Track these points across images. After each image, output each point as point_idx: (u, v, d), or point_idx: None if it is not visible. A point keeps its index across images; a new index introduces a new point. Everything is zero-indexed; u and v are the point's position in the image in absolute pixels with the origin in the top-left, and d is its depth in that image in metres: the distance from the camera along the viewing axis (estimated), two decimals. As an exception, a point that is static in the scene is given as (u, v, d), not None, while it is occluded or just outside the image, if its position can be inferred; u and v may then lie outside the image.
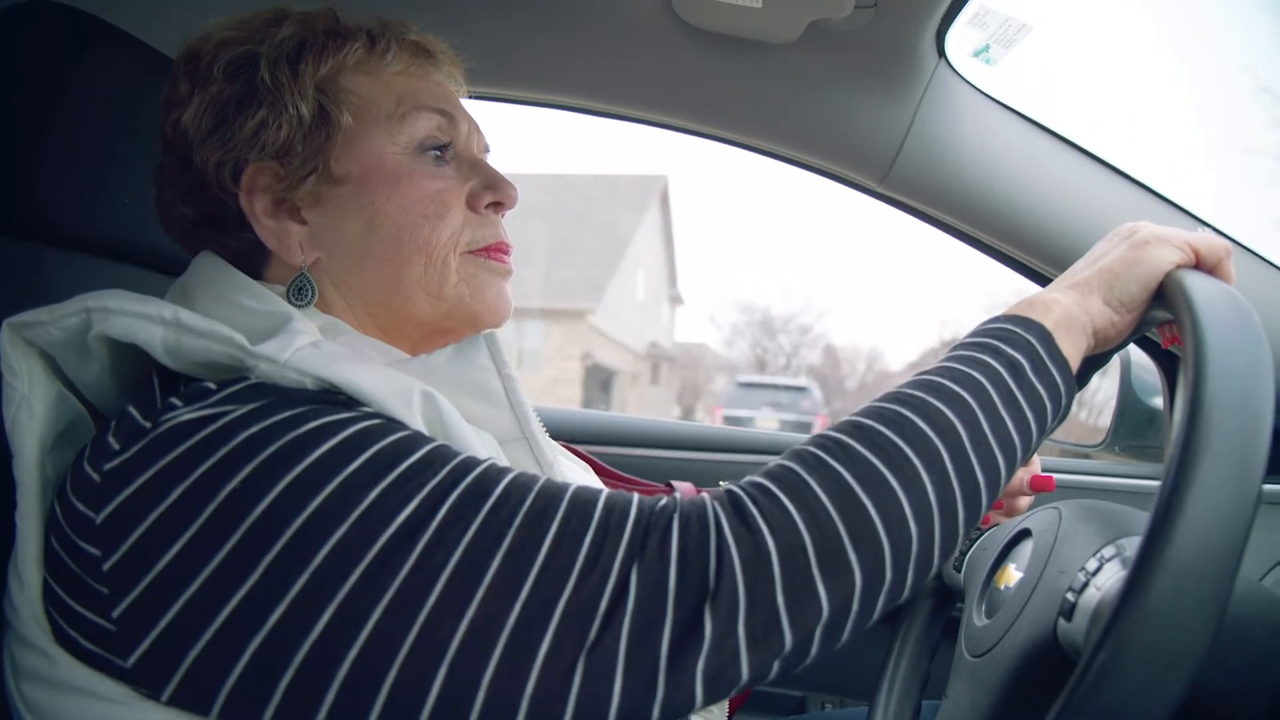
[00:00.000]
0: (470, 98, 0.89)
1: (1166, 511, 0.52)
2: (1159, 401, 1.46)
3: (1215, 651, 0.51)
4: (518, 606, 0.53)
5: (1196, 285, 0.64)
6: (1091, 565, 0.71)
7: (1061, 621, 0.70)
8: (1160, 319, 0.71)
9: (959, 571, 0.98)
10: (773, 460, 0.62)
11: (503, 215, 0.84)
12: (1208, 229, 0.72)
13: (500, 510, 0.56)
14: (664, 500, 0.59)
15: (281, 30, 0.76)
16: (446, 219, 0.77)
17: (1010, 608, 0.78)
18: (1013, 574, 0.83)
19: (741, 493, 0.58)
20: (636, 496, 0.59)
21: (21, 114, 0.84)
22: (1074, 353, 0.68)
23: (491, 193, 0.81)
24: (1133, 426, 1.48)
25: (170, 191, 0.79)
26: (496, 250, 0.81)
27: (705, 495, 0.59)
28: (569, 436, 1.56)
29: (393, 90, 0.79)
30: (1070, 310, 0.69)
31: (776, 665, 0.56)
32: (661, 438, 1.67)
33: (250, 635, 0.53)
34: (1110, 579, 0.68)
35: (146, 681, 0.56)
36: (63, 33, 0.86)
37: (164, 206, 0.80)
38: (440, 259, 0.77)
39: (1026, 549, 0.84)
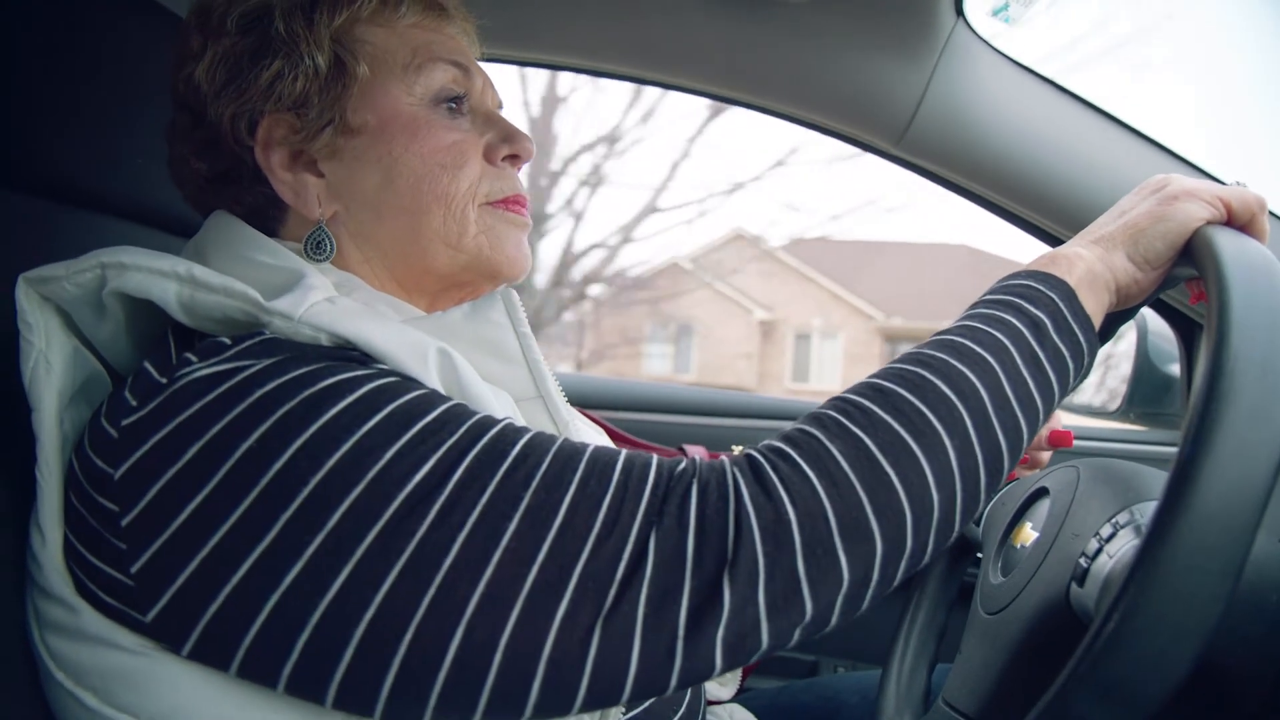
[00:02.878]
0: (484, 59, 0.88)
1: (1181, 484, 0.51)
2: (1175, 368, 1.45)
3: (1228, 619, 0.51)
4: (534, 569, 0.53)
5: (1225, 244, 0.62)
6: (1105, 531, 0.70)
7: (1074, 586, 0.70)
8: (1187, 275, 0.69)
9: (978, 525, 0.98)
10: (790, 424, 0.61)
11: (519, 169, 0.83)
12: (1239, 184, 0.69)
13: (517, 471, 0.55)
14: (683, 464, 0.58)
15: None
16: (464, 169, 0.77)
17: (1025, 567, 0.78)
18: (1029, 533, 0.83)
19: (761, 458, 0.57)
20: (656, 458, 0.59)
21: (32, 72, 0.83)
22: (1096, 310, 0.67)
23: (508, 145, 0.81)
24: (1148, 394, 1.47)
25: (184, 147, 0.78)
26: (514, 202, 0.81)
27: (724, 459, 0.58)
28: (582, 401, 1.57)
29: (408, 42, 0.78)
30: (1094, 267, 0.67)
31: (797, 633, 0.55)
32: (675, 403, 1.67)
33: (267, 594, 0.53)
34: (1123, 547, 0.68)
35: (166, 636, 0.56)
36: None
37: (177, 163, 0.80)
38: (459, 210, 0.77)
39: (1043, 508, 0.84)
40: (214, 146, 0.76)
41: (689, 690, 0.83)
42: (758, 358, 19.94)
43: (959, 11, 1.19)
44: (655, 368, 19.86)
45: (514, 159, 0.82)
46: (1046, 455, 1.04)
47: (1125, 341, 1.46)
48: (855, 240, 21.31)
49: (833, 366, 19.69)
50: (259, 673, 0.55)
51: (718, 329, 19.91)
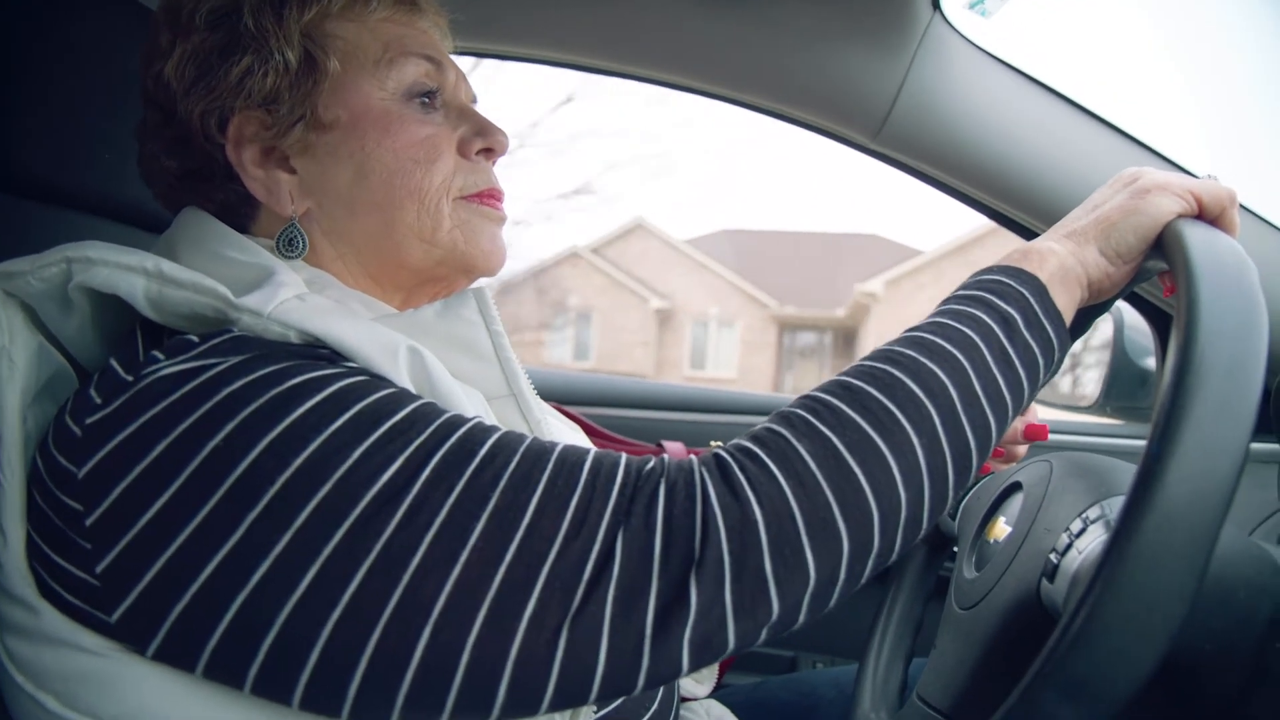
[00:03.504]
0: (458, 53, 0.88)
1: (1147, 481, 0.51)
2: (1151, 362, 1.46)
3: (1196, 613, 0.51)
4: (501, 570, 0.53)
5: (1195, 238, 0.62)
6: (1076, 526, 0.70)
7: (1044, 582, 0.70)
8: (1159, 269, 0.69)
9: (953, 519, 0.98)
10: (760, 422, 0.61)
11: (494, 162, 0.83)
12: (1211, 177, 0.70)
13: (485, 471, 0.55)
14: (651, 463, 0.58)
15: None
16: (437, 164, 0.76)
17: (998, 563, 0.79)
18: (1002, 528, 0.83)
19: (729, 458, 0.57)
20: (624, 457, 0.59)
21: (1, 67, 0.82)
22: (1068, 305, 0.67)
23: (482, 139, 0.80)
24: (1124, 387, 1.48)
25: (154, 145, 0.77)
26: (489, 196, 0.80)
27: (693, 459, 0.58)
28: (558, 397, 1.56)
29: (379, 36, 0.78)
30: (1065, 261, 0.67)
31: (765, 633, 0.55)
32: (651, 398, 1.67)
33: (233, 594, 0.52)
34: (1092, 542, 0.68)
35: (130, 636, 0.55)
36: None
37: (147, 161, 0.79)
38: (433, 204, 0.76)
39: (1017, 502, 0.84)
40: (184, 144, 0.75)
41: (662, 686, 0.83)
42: (655, 345, 20.66)
43: (935, 5, 1.20)
44: (554, 354, 20.57)
45: (488, 152, 0.81)
46: (1022, 449, 1.05)
47: (1102, 335, 1.47)
48: (763, 230, 22.58)
49: (730, 354, 20.47)
50: (225, 673, 0.54)
51: (616, 317, 20.67)
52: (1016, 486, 0.87)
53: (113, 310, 0.68)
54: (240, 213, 0.77)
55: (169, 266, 0.62)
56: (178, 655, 0.55)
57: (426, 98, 0.79)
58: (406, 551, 0.52)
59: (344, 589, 0.52)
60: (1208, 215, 0.68)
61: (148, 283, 0.63)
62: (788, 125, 1.36)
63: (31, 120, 0.85)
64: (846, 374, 0.61)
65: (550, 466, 0.56)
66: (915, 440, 0.57)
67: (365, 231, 0.76)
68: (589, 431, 1.10)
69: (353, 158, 0.75)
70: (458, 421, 0.58)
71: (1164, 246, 0.65)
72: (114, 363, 0.61)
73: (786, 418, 0.59)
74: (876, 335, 17.87)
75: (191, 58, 0.73)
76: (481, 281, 0.83)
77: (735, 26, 1.25)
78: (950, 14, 1.21)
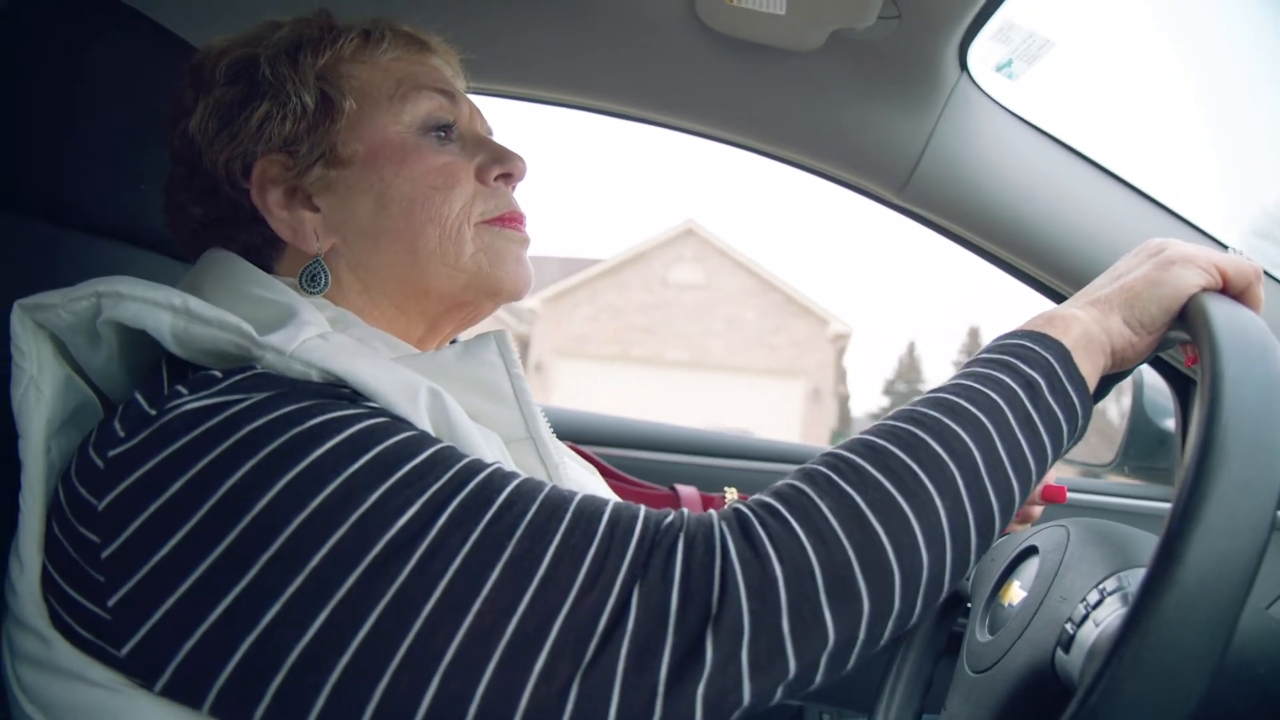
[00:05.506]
0: (486, 95, 0.90)
1: (1168, 558, 0.50)
2: (1171, 423, 1.45)
3: (1216, 690, 0.50)
4: (515, 620, 0.52)
5: (1219, 313, 0.62)
6: (1093, 598, 0.69)
7: (1059, 652, 0.69)
8: (1181, 340, 0.68)
9: (967, 580, 0.97)
10: (784, 475, 0.61)
11: (513, 188, 0.84)
12: (1237, 251, 0.69)
13: (502, 519, 0.55)
14: (670, 516, 0.58)
15: (278, 33, 0.79)
16: (456, 190, 0.78)
17: (1012, 628, 0.78)
18: (1017, 592, 0.82)
19: (750, 513, 0.57)
20: (643, 511, 0.58)
21: (40, 95, 0.84)
22: (1092, 372, 0.66)
23: (500, 165, 0.81)
24: (1143, 448, 1.47)
25: (181, 195, 0.80)
26: (511, 219, 0.81)
27: (713, 514, 0.58)
28: (575, 437, 1.56)
29: (391, 74, 0.80)
30: (1089, 329, 0.67)
31: (780, 691, 0.55)
32: (667, 441, 1.67)
33: (243, 634, 0.52)
34: (1109, 615, 0.67)
35: (139, 672, 0.55)
36: (83, 15, 0.86)
37: (173, 211, 0.82)
38: (454, 229, 0.77)
39: (1032, 567, 0.83)
40: (211, 194, 0.78)
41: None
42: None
43: (963, 65, 1.21)
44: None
45: (507, 178, 0.83)
46: (1038, 510, 1.04)
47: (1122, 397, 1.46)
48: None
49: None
50: (232, 713, 0.54)
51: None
52: (1032, 550, 0.86)
53: (140, 344, 0.68)
54: (264, 254, 0.78)
55: (195, 303, 0.63)
56: (185, 692, 0.55)
57: (442, 131, 0.81)
58: (420, 597, 0.52)
59: (355, 633, 0.52)
60: (1232, 290, 0.68)
61: (174, 319, 0.63)
62: (813, 176, 1.37)
63: (65, 149, 0.87)
64: (870, 433, 0.61)
65: (568, 517, 0.56)
66: (938, 501, 0.57)
67: (389, 262, 0.77)
68: (603, 472, 1.10)
69: (372, 190, 0.77)
70: (477, 467, 0.58)
71: (1188, 320, 0.65)
72: (138, 396, 0.61)
73: (809, 475, 0.59)
74: (540, 349, 20.68)
75: (214, 111, 0.76)
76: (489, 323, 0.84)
77: (764, 80, 1.26)
78: (977, 75, 1.23)
